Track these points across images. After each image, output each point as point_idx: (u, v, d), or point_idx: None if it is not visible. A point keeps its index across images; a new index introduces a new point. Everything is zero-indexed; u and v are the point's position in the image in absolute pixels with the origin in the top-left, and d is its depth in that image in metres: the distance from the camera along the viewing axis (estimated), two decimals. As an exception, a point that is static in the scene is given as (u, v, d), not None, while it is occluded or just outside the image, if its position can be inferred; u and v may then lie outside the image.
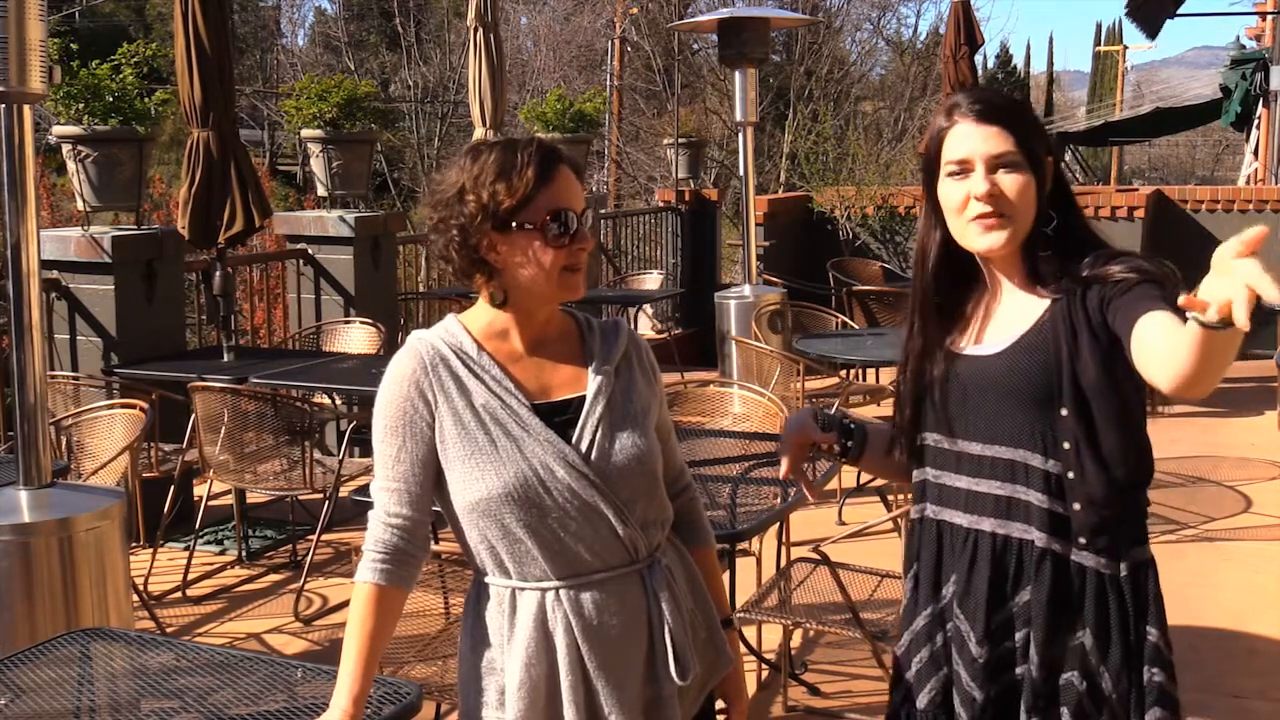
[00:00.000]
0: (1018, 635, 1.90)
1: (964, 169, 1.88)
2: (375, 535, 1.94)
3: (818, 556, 3.54)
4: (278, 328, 7.97)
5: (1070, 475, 1.85)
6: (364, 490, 2.52)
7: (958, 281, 2.00)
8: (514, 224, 1.88)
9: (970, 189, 1.88)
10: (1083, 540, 1.86)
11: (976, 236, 1.89)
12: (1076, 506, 1.85)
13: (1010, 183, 1.86)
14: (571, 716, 1.90)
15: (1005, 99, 1.93)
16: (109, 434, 4.72)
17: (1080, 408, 1.84)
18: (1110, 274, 1.83)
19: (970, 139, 1.88)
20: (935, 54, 18.90)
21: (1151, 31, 13.47)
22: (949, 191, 1.91)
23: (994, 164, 1.87)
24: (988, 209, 1.87)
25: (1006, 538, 1.90)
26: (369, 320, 6.71)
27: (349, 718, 1.86)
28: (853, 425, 2.12)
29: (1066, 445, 1.85)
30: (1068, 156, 23.55)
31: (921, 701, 1.99)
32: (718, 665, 2.09)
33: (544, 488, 1.88)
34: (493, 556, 1.93)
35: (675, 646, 1.95)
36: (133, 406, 4.69)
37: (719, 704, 2.18)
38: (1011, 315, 1.93)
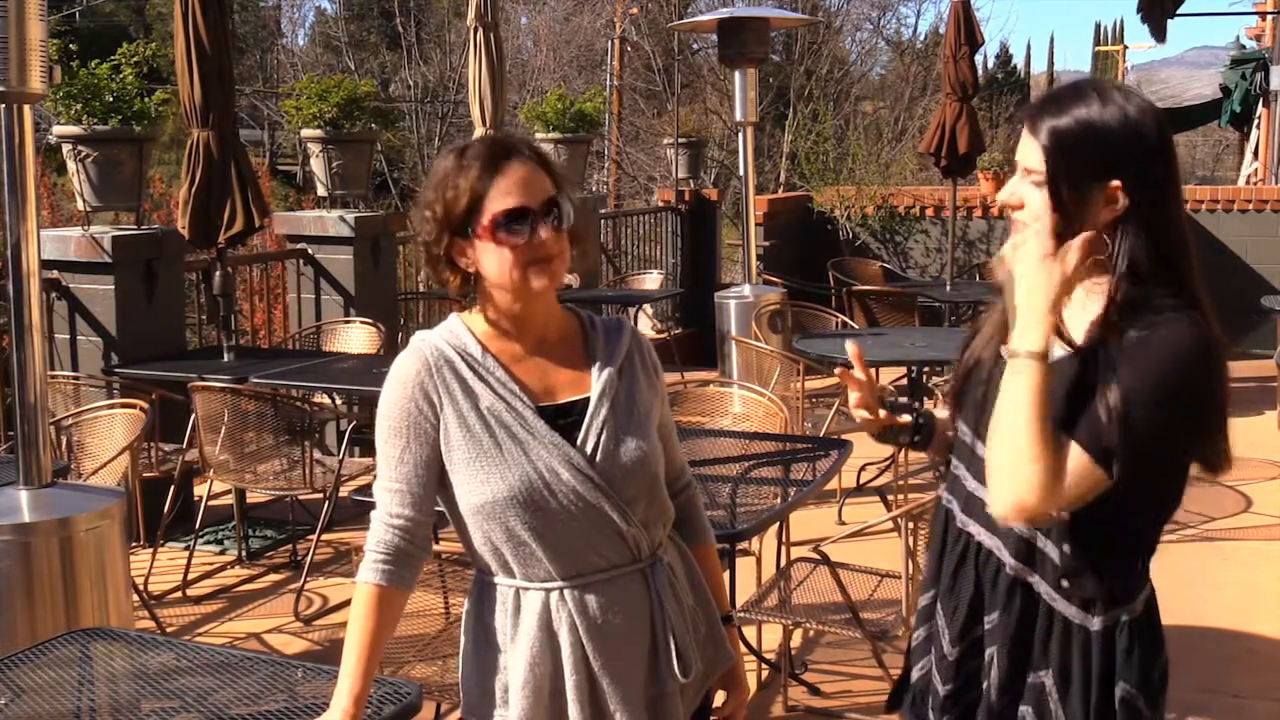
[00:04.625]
0: (987, 653, 1.88)
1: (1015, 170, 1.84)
2: (377, 536, 1.95)
3: (818, 556, 3.54)
4: (278, 328, 7.98)
5: (1063, 515, 1.77)
6: (364, 490, 2.52)
7: None
8: (469, 230, 1.88)
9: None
10: (1065, 584, 1.80)
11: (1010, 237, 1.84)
12: (1066, 548, 1.79)
13: (1033, 197, 1.78)
14: (576, 715, 1.91)
15: (1061, 113, 1.77)
16: (109, 434, 4.72)
17: None
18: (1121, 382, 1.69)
19: (1021, 142, 1.81)
20: (935, 54, 18.90)
21: (1159, 33, 13.45)
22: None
23: (1025, 174, 1.80)
24: (1009, 212, 1.82)
25: (990, 551, 1.88)
26: (369, 320, 6.71)
27: (350, 717, 1.87)
28: (921, 419, 2.11)
29: None
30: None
31: (914, 675, 2.02)
32: (717, 661, 2.09)
33: (549, 490, 1.89)
34: (497, 557, 1.94)
35: (678, 644, 1.96)
36: (133, 406, 4.69)
37: (717, 699, 2.18)
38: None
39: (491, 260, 1.89)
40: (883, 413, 2.10)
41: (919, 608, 2.03)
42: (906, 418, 2.11)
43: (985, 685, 1.88)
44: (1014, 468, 1.69)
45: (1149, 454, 1.70)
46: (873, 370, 2.11)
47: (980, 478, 1.90)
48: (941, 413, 2.12)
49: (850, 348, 2.05)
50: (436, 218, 1.89)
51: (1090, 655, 1.80)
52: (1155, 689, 1.84)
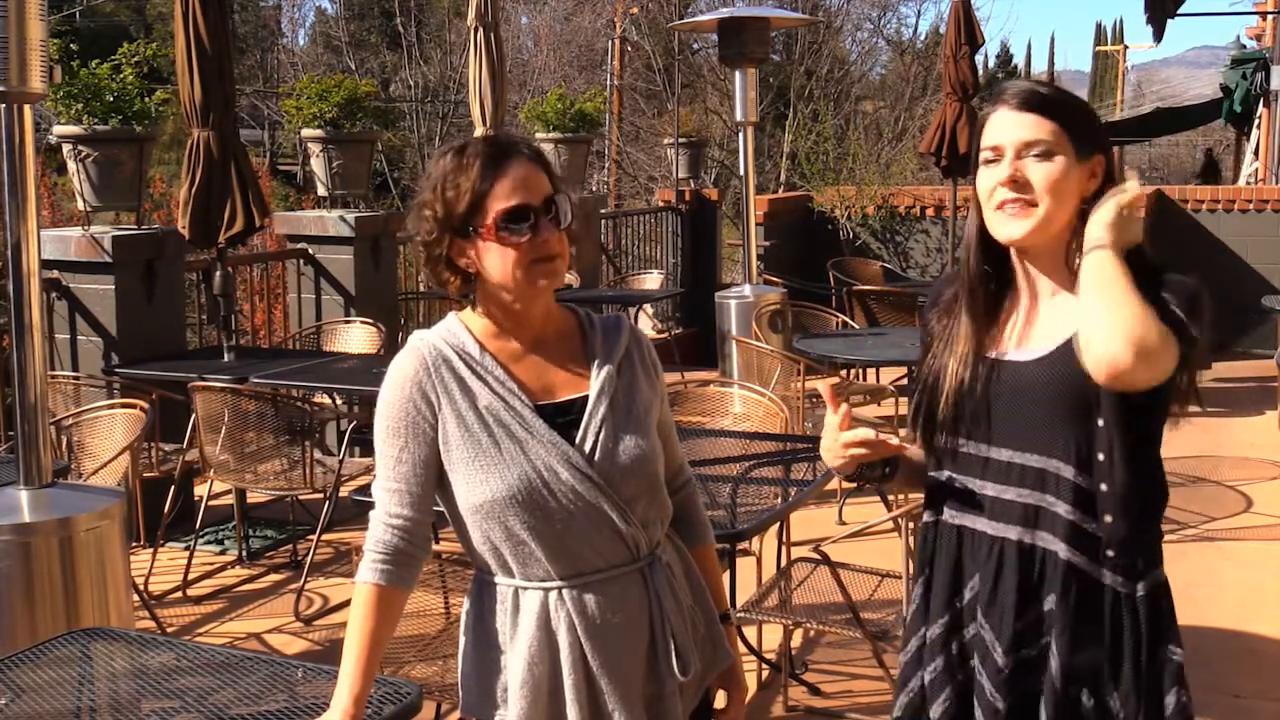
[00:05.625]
0: (1039, 643, 1.88)
1: (996, 155, 1.85)
2: (376, 536, 1.95)
3: (818, 556, 3.54)
4: (278, 328, 7.97)
5: (1103, 487, 1.83)
6: (364, 490, 2.52)
7: (997, 278, 1.95)
8: (470, 229, 1.87)
9: (997, 176, 1.84)
10: (1110, 553, 1.84)
11: (1000, 224, 1.86)
12: (1108, 519, 1.83)
13: (1039, 171, 1.82)
14: (574, 714, 1.91)
15: (1053, 90, 1.89)
16: (109, 434, 4.72)
17: (1118, 419, 1.81)
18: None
19: (1005, 125, 1.85)
20: (935, 53, 18.89)
21: (1159, 33, 13.51)
22: (981, 179, 1.88)
23: (1023, 150, 1.83)
24: (1010, 195, 1.83)
25: (1033, 546, 1.88)
26: (369, 320, 6.71)
27: (350, 717, 1.87)
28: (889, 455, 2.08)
29: (1101, 456, 1.83)
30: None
31: (935, 712, 1.96)
32: (716, 660, 2.09)
33: (548, 490, 1.88)
34: (496, 557, 1.93)
35: (676, 642, 1.95)
36: (133, 406, 4.69)
37: (718, 699, 2.18)
38: (1053, 319, 1.89)
39: (494, 260, 1.88)
40: (884, 436, 2.03)
41: (929, 640, 1.98)
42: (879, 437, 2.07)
43: (1047, 673, 1.88)
44: (1127, 314, 1.72)
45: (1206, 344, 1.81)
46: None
47: (1003, 481, 1.90)
48: (907, 450, 2.06)
49: (824, 388, 2.00)
50: (437, 217, 1.89)
51: (1139, 622, 1.86)
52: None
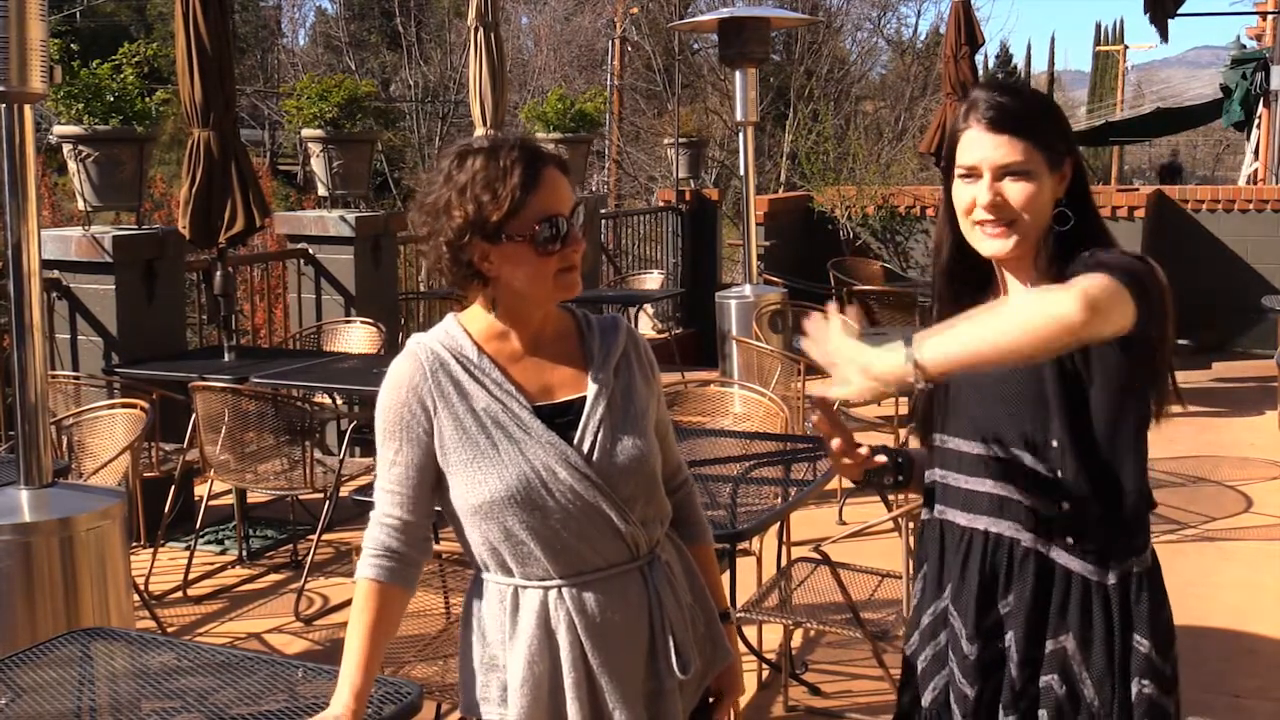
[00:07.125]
0: (1007, 636, 1.90)
1: (972, 174, 1.88)
2: (373, 535, 1.96)
3: (818, 556, 3.54)
4: (278, 328, 7.97)
5: (1059, 474, 1.86)
6: (364, 490, 2.52)
7: (973, 279, 1.98)
8: (504, 235, 1.86)
9: (976, 196, 1.88)
10: (1070, 540, 1.86)
11: (981, 241, 1.91)
12: (1065, 506, 1.86)
13: (1017, 191, 1.85)
14: (575, 713, 1.91)
15: (1022, 103, 1.89)
16: (110, 434, 4.72)
17: (1069, 407, 1.84)
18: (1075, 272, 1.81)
19: (979, 146, 1.87)
20: (935, 53, 18.91)
21: (1164, 33, 13.51)
22: (958, 194, 1.92)
23: (1001, 173, 1.86)
24: (990, 216, 1.87)
25: (999, 536, 1.91)
26: (369, 320, 6.71)
27: (351, 714, 1.87)
28: (900, 459, 2.10)
29: (1055, 444, 1.86)
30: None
31: (926, 699, 2.00)
32: (715, 659, 2.10)
33: (546, 490, 1.89)
34: (495, 556, 1.94)
35: (676, 641, 1.96)
36: (133, 406, 4.69)
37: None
38: None
39: (525, 268, 1.88)
40: (863, 449, 2.02)
41: (920, 627, 2.03)
42: (883, 457, 2.07)
43: (1006, 666, 1.89)
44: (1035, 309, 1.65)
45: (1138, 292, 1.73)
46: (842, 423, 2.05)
47: (974, 473, 1.94)
48: (919, 450, 2.11)
49: (814, 415, 2.00)
50: (467, 219, 1.86)
51: (1110, 610, 1.86)
52: (1165, 640, 1.90)
